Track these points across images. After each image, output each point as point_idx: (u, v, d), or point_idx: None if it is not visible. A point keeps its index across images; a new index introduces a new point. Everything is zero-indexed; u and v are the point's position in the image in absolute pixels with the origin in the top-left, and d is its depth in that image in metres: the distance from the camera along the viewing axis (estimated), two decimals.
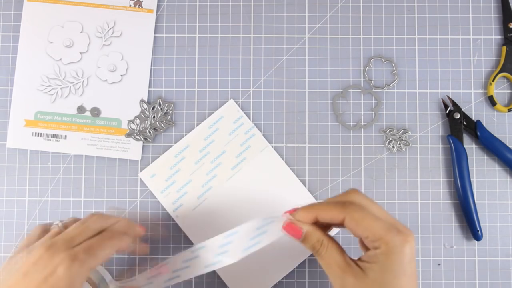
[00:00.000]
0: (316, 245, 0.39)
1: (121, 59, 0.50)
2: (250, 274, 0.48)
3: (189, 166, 0.49)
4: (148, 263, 0.48)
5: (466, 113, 0.50)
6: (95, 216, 0.41)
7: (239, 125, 0.49)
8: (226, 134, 0.49)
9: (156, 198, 0.49)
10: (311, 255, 0.48)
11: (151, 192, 0.49)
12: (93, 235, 0.39)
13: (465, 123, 0.49)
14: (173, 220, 0.49)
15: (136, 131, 0.49)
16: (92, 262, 0.37)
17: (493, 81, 0.49)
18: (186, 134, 0.50)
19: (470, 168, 0.49)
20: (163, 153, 0.49)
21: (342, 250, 0.38)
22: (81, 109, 0.50)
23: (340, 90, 0.50)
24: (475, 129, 0.49)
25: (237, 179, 0.48)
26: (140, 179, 0.49)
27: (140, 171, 0.49)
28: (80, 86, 0.50)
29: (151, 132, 0.49)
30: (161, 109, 0.49)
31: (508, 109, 0.49)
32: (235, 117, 0.49)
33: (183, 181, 0.49)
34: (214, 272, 0.49)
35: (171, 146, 0.49)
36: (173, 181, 0.49)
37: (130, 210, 0.49)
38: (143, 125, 0.49)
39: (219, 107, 0.50)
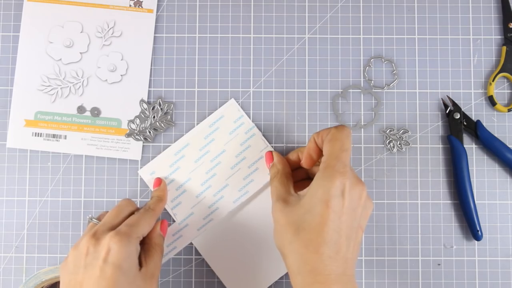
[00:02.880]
0: (272, 176, 0.45)
1: (121, 59, 0.50)
2: (248, 274, 0.48)
3: (189, 165, 0.49)
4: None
5: (466, 113, 0.50)
6: (125, 201, 0.44)
7: (240, 124, 0.49)
8: (226, 133, 0.49)
9: None
10: None
11: (151, 191, 0.49)
12: (128, 216, 0.43)
13: (465, 123, 0.49)
14: (172, 219, 0.49)
15: (136, 131, 0.49)
16: (136, 232, 0.40)
17: (493, 81, 0.49)
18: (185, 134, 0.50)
19: (470, 168, 0.49)
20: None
21: (288, 185, 0.43)
22: (81, 109, 0.50)
23: (340, 90, 0.50)
24: (475, 129, 0.49)
25: (236, 179, 0.48)
26: (140, 177, 0.49)
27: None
28: (80, 86, 0.50)
29: (151, 132, 0.49)
30: (161, 109, 0.49)
31: (508, 109, 0.49)
32: (235, 116, 0.49)
33: (183, 179, 0.49)
34: (214, 272, 0.49)
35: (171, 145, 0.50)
36: (173, 179, 0.49)
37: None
38: (143, 125, 0.50)
39: (219, 107, 0.50)
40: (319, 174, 0.38)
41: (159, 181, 0.48)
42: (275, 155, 0.47)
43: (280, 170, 0.45)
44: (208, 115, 0.50)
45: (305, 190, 0.40)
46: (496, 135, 0.49)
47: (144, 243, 0.43)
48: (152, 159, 0.49)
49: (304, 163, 0.44)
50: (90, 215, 0.44)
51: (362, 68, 0.50)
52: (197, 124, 0.50)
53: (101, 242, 0.39)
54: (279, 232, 0.40)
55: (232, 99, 0.50)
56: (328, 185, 0.37)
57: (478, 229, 0.48)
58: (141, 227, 0.41)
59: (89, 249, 0.39)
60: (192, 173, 0.49)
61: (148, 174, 0.49)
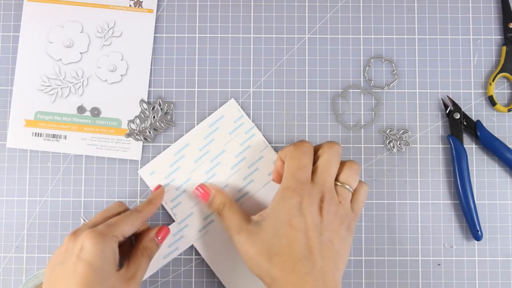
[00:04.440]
0: (219, 207, 0.44)
1: (121, 59, 0.50)
2: (248, 274, 0.48)
3: (189, 165, 0.49)
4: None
5: (466, 113, 0.50)
6: (116, 203, 0.45)
7: (240, 124, 0.49)
8: (226, 133, 0.49)
9: None
10: None
11: (150, 191, 0.49)
12: (114, 216, 0.43)
13: (465, 123, 0.49)
14: (172, 220, 0.49)
15: (136, 131, 0.49)
16: (113, 230, 0.40)
17: (493, 81, 0.49)
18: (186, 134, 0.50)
19: (470, 168, 0.49)
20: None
21: (241, 213, 0.42)
22: (81, 109, 0.50)
23: (340, 90, 0.50)
24: (475, 129, 0.49)
25: (236, 179, 0.48)
26: (140, 177, 0.49)
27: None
28: (80, 86, 0.50)
29: (151, 132, 0.49)
30: (161, 109, 0.49)
31: (508, 109, 0.49)
32: (235, 116, 0.49)
33: (182, 179, 0.49)
34: (213, 273, 0.48)
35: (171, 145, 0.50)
36: (172, 179, 0.49)
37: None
38: (143, 125, 0.50)
39: (219, 107, 0.50)
40: (277, 196, 0.39)
41: (157, 187, 0.48)
42: (210, 187, 0.46)
43: (223, 200, 0.44)
44: (208, 115, 0.50)
45: (265, 214, 0.40)
46: (496, 135, 0.49)
47: (134, 245, 0.43)
48: (152, 159, 0.49)
49: (274, 179, 0.44)
50: (83, 216, 0.44)
51: (362, 68, 0.50)
52: (197, 124, 0.50)
53: (78, 240, 0.39)
54: (252, 264, 0.40)
55: (232, 99, 0.50)
56: (287, 206, 0.38)
57: (478, 229, 0.48)
58: (121, 227, 0.41)
59: (67, 246, 0.39)
60: (192, 173, 0.49)
61: (148, 174, 0.49)
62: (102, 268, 0.38)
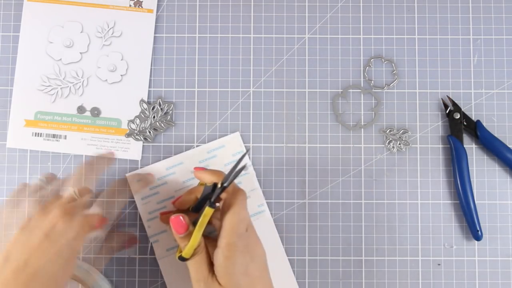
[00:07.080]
0: (198, 249, 0.39)
1: (121, 59, 0.50)
2: None
3: (176, 183, 0.48)
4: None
5: (466, 113, 0.50)
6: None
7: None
8: (222, 164, 0.49)
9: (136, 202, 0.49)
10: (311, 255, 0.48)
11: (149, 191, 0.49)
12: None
13: (465, 123, 0.49)
14: (144, 230, 0.48)
15: (136, 131, 0.49)
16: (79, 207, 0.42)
17: None
18: (186, 134, 0.50)
19: (470, 168, 0.49)
20: (163, 153, 0.49)
21: (210, 259, 0.40)
22: (81, 109, 0.50)
23: (340, 90, 0.50)
24: (475, 129, 0.49)
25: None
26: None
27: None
28: (80, 86, 0.50)
29: (151, 132, 0.49)
30: (161, 109, 0.49)
31: None
32: (236, 150, 0.49)
33: (166, 195, 0.48)
34: None
35: (171, 146, 0.49)
36: (157, 191, 0.48)
37: (130, 210, 0.49)
38: (143, 125, 0.50)
39: (219, 108, 0.50)
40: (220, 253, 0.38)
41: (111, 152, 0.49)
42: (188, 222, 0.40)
43: (202, 242, 0.40)
44: (208, 115, 0.50)
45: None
46: (496, 135, 0.49)
47: None
48: (152, 159, 0.49)
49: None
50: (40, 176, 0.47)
51: (362, 68, 0.50)
52: (197, 124, 0.50)
53: (71, 223, 0.40)
54: None
55: (238, 132, 0.49)
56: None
57: (478, 229, 0.48)
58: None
59: (57, 224, 0.40)
60: (177, 192, 0.48)
61: (134, 180, 0.48)
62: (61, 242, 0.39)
